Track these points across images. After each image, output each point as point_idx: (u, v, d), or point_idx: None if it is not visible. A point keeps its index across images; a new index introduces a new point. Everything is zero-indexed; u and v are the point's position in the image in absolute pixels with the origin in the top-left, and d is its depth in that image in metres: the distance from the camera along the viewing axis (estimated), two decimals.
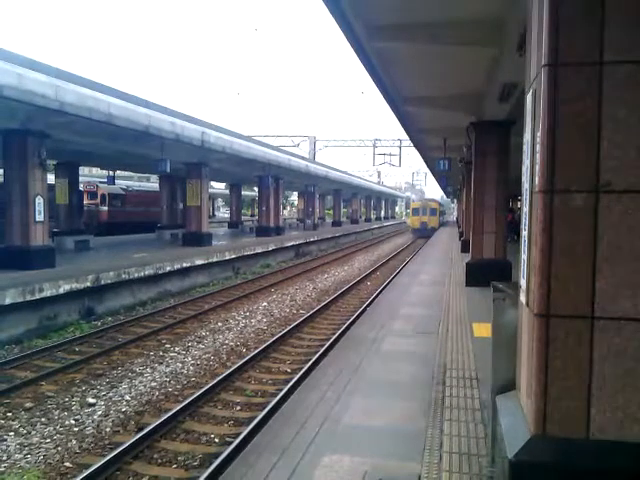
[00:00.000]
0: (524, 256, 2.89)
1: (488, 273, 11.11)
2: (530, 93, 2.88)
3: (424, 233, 44.18)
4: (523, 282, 2.89)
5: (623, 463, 2.47)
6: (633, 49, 2.43)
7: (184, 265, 17.82)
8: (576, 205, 2.49)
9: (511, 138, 12.52)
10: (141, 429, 6.71)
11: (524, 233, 2.93)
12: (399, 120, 14.60)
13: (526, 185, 2.90)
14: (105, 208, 30.98)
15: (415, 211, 49.30)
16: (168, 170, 19.51)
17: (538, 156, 2.59)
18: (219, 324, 12.80)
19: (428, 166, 33.01)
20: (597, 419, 2.51)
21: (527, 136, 2.90)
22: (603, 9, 2.44)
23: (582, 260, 2.50)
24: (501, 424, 2.97)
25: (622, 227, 2.45)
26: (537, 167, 2.61)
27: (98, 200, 30.96)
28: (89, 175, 44.70)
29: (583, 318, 2.50)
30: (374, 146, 51.42)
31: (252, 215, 59.75)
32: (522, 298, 2.93)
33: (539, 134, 2.59)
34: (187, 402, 7.45)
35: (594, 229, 2.48)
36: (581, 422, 2.52)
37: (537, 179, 2.60)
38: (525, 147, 2.94)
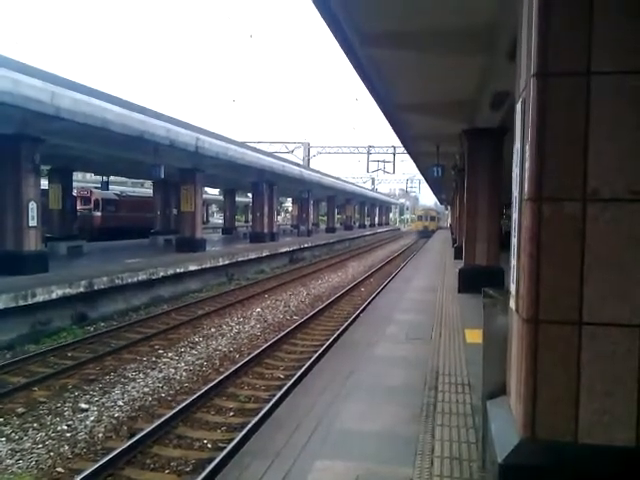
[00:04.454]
0: (514, 262, 2.93)
1: (481, 280, 11.12)
2: (520, 102, 2.93)
3: (425, 234, 58.15)
4: (513, 288, 2.93)
5: (610, 467, 2.51)
6: (621, 59, 2.48)
7: (177, 271, 17.80)
8: (564, 213, 2.53)
9: (504, 146, 12.61)
10: (134, 435, 6.71)
11: (514, 240, 2.97)
12: (392, 126, 14.68)
13: (516, 193, 2.94)
14: (98, 213, 30.93)
15: (419, 217, 68.27)
16: (162, 176, 19.53)
17: (527, 164, 2.64)
18: (212, 330, 12.80)
19: (422, 173, 33.15)
20: (585, 423, 2.54)
21: (517, 144, 2.95)
22: (591, 19, 2.49)
23: (570, 267, 2.54)
24: (491, 428, 3.01)
25: (609, 235, 2.49)
26: (526, 175, 2.65)
27: (92, 205, 30.91)
28: (83, 180, 44.56)
29: (571, 324, 2.54)
30: (368, 153, 51.62)
31: (246, 221, 59.66)
32: (512, 304, 2.97)
33: (528, 143, 2.64)
34: (180, 408, 7.45)
35: (582, 236, 2.52)
36: (569, 426, 2.55)
37: (526, 187, 2.64)
38: (515, 155, 2.98)
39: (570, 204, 2.53)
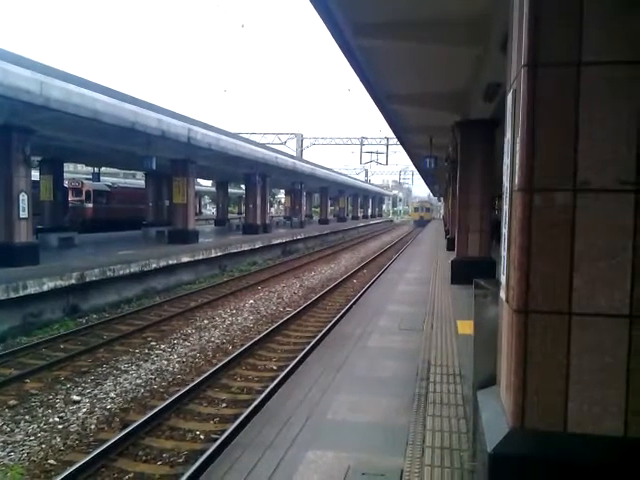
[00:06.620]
0: (504, 253, 2.93)
1: (473, 271, 11.09)
2: (510, 93, 2.91)
3: (421, 223, 64.31)
4: (503, 279, 2.93)
5: (599, 456, 2.52)
6: (611, 50, 2.46)
7: (170, 262, 17.76)
8: (554, 204, 2.53)
9: (496, 137, 12.62)
10: (126, 426, 6.71)
11: (504, 231, 2.97)
12: (385, 117, 14.66)
13: (506, 184, 2.94)
14: (90, 205, 30.75)
15: (415, 209, 75.57)
16: (154, 167, 19.42)
17: (518, 155, 2.63)
18: (205, 321, 12.79)
19: (415, 164, 33.19)
20: (574, 413, 2.55)
21: (508, 135, 2.94)
22: (582, 10, 2.47)
23: (560, 257, 2.54)
24: (482, 418, 3.02)
25: (599, 225, 2.49)
26: (517, 166, 2.64)
27: (83, 197, 30.71)
28: (74, 172, 44.25)
29: (561, 314, 2.54)
30: (361, 144, 51.59)
31: (239, 213, 59.58)
32: (502, 294, 2.97)
33: (519, 133, 2.63)
34: (172, 399, 7.45)
35: (572, 227, 2.52)
36: (559, 416, 2.56)
37: (517, 178, 2.64)
38: (506, 146, 2.98)
39: (560, 194, 2.52)
